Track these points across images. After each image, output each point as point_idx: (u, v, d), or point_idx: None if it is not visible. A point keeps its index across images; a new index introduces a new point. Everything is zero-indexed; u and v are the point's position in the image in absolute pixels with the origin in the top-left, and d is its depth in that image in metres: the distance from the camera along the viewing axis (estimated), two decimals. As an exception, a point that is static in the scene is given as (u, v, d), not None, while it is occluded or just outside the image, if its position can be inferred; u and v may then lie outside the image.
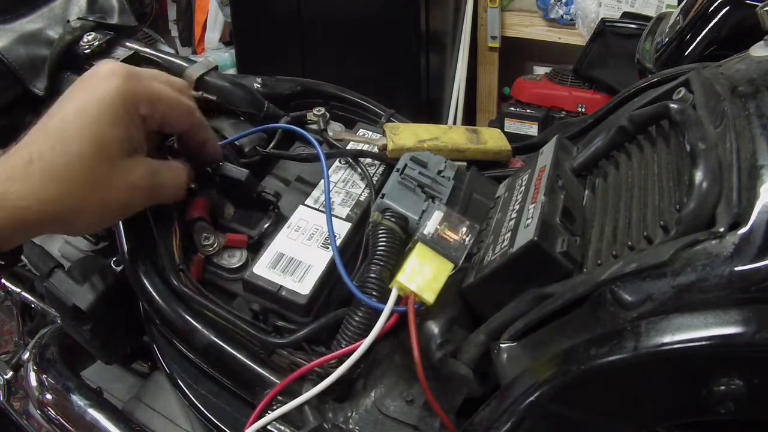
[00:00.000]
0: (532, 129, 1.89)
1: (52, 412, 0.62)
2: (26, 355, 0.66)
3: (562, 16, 1.99)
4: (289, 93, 0.60)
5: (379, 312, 0.37)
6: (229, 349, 0.42)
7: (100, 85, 0.38)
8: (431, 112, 2.05)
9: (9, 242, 0.36)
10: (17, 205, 0.35)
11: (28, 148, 0.36)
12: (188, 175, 0.44)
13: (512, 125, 1.92)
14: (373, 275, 0.40)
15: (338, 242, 0.44)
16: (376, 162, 0.52)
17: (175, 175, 0.43)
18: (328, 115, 0.55)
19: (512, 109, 1.93)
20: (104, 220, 0.40)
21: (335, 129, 0.55)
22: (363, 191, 0.49)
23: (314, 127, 0.55)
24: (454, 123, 2.07)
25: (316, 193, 0.49)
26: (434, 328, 0.37)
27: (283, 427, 0.39)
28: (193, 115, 0.44)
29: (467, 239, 0.40)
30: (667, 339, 0.28)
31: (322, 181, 0.47)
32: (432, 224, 0.40)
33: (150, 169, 0.40)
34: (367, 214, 0.46)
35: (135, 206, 0.40)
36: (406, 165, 0.47)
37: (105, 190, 0.37)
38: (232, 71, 2.17)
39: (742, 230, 0.28)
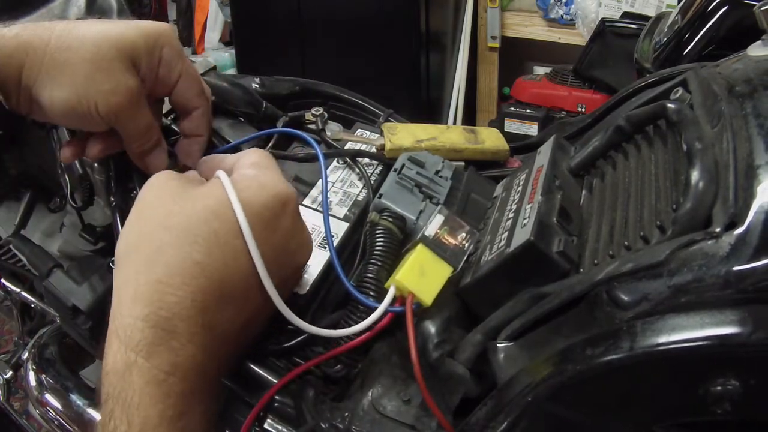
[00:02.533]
0: (532, 129, 1.89)
1: (51, 412, 0.62)
2: (25, 355, 0.66)
3: (562, 16, 1.99)
4: (288, 93, 0.60)
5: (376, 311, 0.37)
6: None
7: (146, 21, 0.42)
8: (431, 112, 2.05)
9: None
10: None
11: None
12: (157, 131, 0.44)
13: (512, 125, 1.92)
14: (370, 275, 0.40)
15: (336, 242, 0.44)
16: (374, 162, 0.52)
17: (152, 118, 0.43)
18: (326, 115, 0.55)
19: (512, 109, 1.93)
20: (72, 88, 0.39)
21: (333, 129, 0.55)
22: (361, 191, 0.49)
23: (312, 127, 0.55)
24: (454, 123, 2.07)
25: (314, 192, 0.49)
26: (431, 327, 0.37)
27: (280, 427, 0.39)
28: (205, 95, 0.45)
29: (467, 245, 0.40)
30: (663, 339, 0.27)
31: (320, 181, 0.47)
32: (433, 227, 0.40)
33: (140, 89, 0.40)
34: (364, 214, 0.46)
35: (107, 108, 0.40)
36: (403, 165, 0.47)
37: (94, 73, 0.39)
38: (232, 71, 2.17)
39: (739, 230, 0.28)
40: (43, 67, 0.39)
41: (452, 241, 0.40)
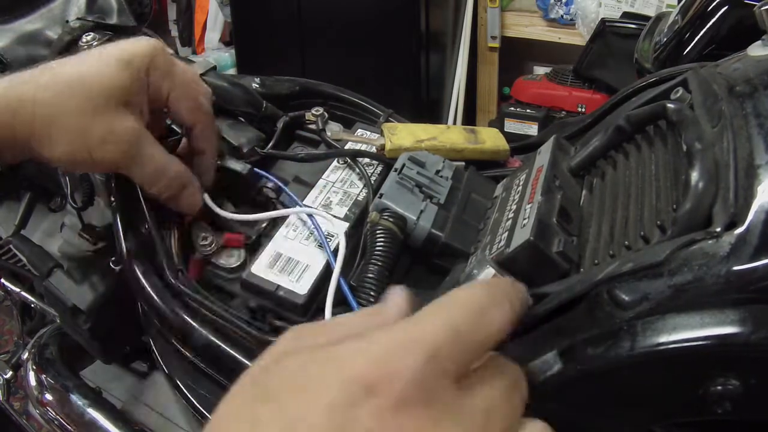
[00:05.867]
0: (532, 129, 1.89)
1: (51, 412, 0.62)
2: (26, 355, 0.66)
3: (562, 16, 1.99)
4: (288, 93, 0.60)
5: None
6: (227, 348, 0.42)
7: (126, 43, 0.40)
8: (431, 112, 2.05)
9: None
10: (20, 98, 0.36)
11: None
12: (177, 172, 0.42)
13: (512, 125, 1.92)
14: (370, 275, 0.40)
15: (335, 243, 0.44)
16: (374, 162, 0.52)
17: (162, 160, 0.40)
18: (326, 115, 0.55)
19: (512, 109, 1.94)
20: (68, 151, 0.38)
21: (333, 129, 0.55)
22: (361, 191, 0.49)
23: (312, 126, 0.55)
24: (454, 123, 2.08)
25: (314, 193, 0.49)
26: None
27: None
28: (201, 110, 0.42)
29: None
30: (663, 339, 0.27)
31: (320, 181, 0.47)
32: None
33: (137, 131, 0.39)
34: (365, 214, 0.46)
35: (104, 157, 0.38)
36: (404, 165, 0.47)
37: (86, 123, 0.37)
38: (232, 71, 2.17)
39: (739, 230, 0.28)
40: (34, 126, 0.38)
41: None
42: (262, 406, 0.21)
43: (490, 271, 0.33)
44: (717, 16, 1.01)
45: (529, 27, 2.07)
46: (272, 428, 0.20)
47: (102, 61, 0.39)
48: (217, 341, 0.42)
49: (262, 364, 0.23)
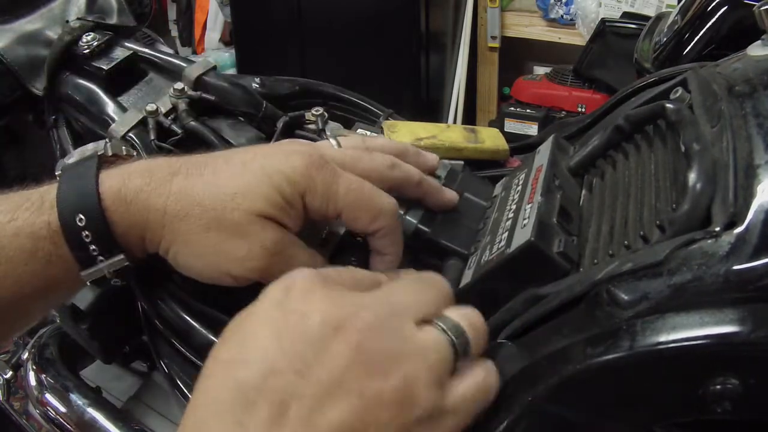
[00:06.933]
0: (532, 129, 1.90)
1: (51, 412, 0.62)
2: (26, 355, 0.66)
3: (562, 16, 1.99)
4: (288, 93, 0.60)
5: None
6: (227, 348, 0.42)
7: (276, 159, 0.35)
8: (431, 112, 2.05)
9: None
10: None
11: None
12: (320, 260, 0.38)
13: (512, 125, 1.92)
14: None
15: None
16: (374, 162, 0.52)
17: (304, 261, 0.36)
18: (326, 115, 0.55)
19: (512, 109, 1.94)
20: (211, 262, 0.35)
21: (333, 128, 0.55)
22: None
23: (312, 126, 0.55)
24: (455, 123, 2.08)
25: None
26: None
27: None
28: (380, 219, 0.36)
29: None
30: (662, 338, 0.28)
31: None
32: None
33: (281, 242, 0.35)
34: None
35: (242, 275, 0.35)
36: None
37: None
38: (232, 71, 2.17)
39: (738, 229, 0.28)
40: (163, 237, 0.35)
41: None
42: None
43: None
44: (717, 16, 1.01)
45: (529, 27, 2.07)
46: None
47: (244, 178, 0.34)
48: (216, 341, 0.42)
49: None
